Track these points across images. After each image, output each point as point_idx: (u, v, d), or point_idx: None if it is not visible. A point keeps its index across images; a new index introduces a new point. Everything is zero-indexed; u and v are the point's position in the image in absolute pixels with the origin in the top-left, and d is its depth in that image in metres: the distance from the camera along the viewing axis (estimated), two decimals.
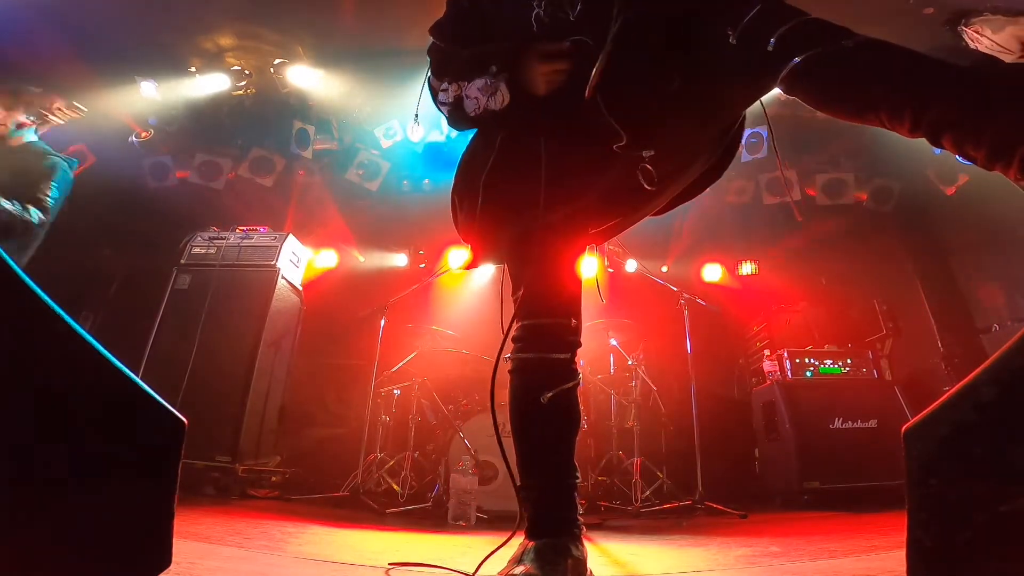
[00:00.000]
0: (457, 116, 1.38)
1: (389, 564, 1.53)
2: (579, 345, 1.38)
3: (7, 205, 2.74)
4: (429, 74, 1.47)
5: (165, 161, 5.11)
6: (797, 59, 1.00)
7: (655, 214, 1.55)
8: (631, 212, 1.49)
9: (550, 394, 1.29)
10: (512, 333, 1.38)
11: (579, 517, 1.29)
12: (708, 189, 1.51)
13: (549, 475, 1.31)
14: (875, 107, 0.95)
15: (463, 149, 1.47)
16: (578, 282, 1.41)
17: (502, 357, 1.37)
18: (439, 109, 1.43)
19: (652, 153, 1.28)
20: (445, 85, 1.38)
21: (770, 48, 1.04)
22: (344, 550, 1.87)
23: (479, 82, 1.31)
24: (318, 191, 5.63)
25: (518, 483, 1.34)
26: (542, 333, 1.33)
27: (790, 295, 5.19)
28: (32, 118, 3.07)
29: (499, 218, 1.38)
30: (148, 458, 0.82)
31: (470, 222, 1.39)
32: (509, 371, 1.38)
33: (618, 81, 1.20)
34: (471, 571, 1.29)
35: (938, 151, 4.71)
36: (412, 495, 3.42)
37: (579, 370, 1.39)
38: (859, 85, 0.97)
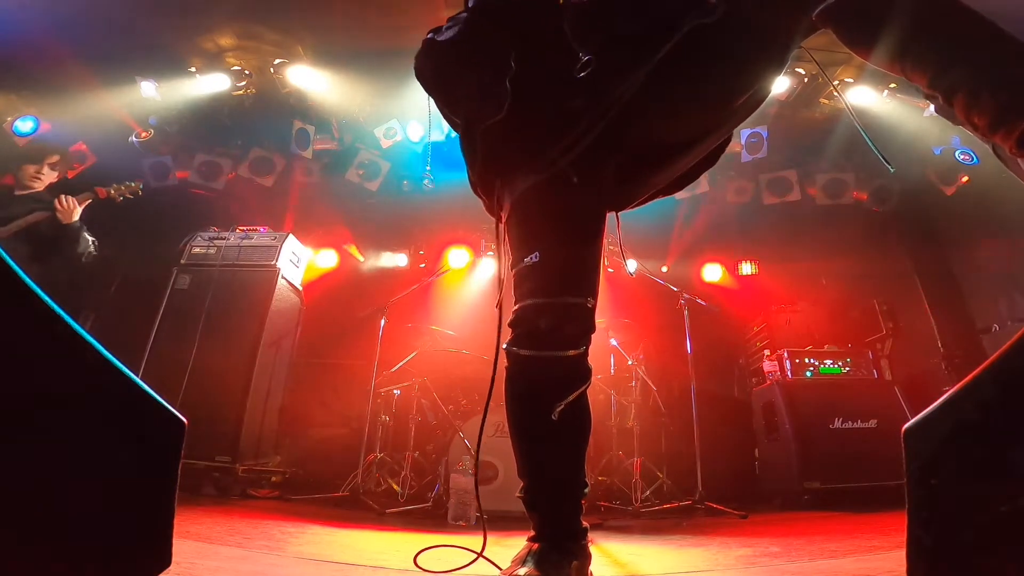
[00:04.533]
0: None
1: (418, 551, 1.48)
2: (594, 330, 1.22)
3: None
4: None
5: (165, 161, 5.10)
6: None
7: (675, 190, 1.42)
8: (662, 166, 1.31)
9: (561, 406, 1.15)
10: (512, 316, 1.19)
11: (583, 521, 1.28)
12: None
13: (556, 489, 1.25)
14: (900, 56, 0.93)
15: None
16: (599, 250, 1.26)
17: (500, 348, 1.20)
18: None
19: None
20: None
21: None
22: (344, 550, 1.87)
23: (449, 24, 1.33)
24: (318, 191, 5.63)
25: (519, 491, 1.28)
26: (554, 319, 1.15)
27: (790, 295, 5.19)
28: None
29: (501, 164, 1.24)
30: (148, 458, 0.82)
31: (475, 172, 1.29)
32: (508, 367, 1.23)
33: None
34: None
35: (938, 151, 4.70)
36: (412, 495, 3.42)
37: (590, 363, 1.22)
38: (890, 31, 0.94)
